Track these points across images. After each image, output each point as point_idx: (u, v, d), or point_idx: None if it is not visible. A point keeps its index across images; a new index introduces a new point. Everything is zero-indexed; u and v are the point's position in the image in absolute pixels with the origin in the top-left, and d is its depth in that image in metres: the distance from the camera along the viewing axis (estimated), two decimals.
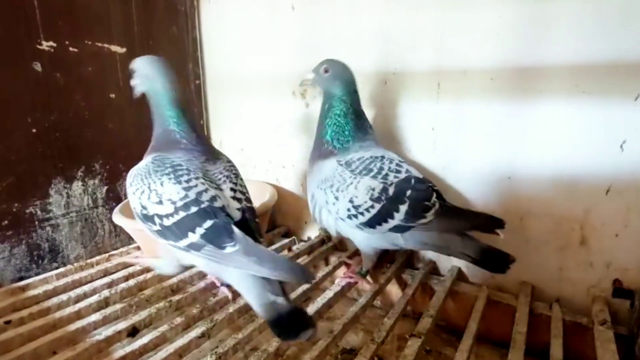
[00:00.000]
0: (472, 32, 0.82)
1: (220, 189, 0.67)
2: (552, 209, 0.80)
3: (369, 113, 0.98)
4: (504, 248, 0.74)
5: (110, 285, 0.81)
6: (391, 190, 0.70)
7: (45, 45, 0.87)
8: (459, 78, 0.85)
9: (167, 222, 0.62)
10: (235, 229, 0.60)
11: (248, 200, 0.71)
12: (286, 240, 1.09)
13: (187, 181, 0.64)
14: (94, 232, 1.00)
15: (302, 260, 0.95)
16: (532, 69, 0.78)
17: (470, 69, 0.84)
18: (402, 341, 0.82)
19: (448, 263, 0.93)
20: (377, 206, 0.70)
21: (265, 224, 1.06)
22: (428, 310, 0.74)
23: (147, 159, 0.70)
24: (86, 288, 0.78)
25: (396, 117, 0.95)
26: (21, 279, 0.84)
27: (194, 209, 0.61)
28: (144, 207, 0.65)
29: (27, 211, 0.87)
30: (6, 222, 0.84)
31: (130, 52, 1.04)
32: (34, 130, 0.87)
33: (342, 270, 0.97)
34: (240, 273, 0.60)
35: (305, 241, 1.10)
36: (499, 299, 0.83)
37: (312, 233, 1.15)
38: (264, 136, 1.19)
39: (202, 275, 0.88)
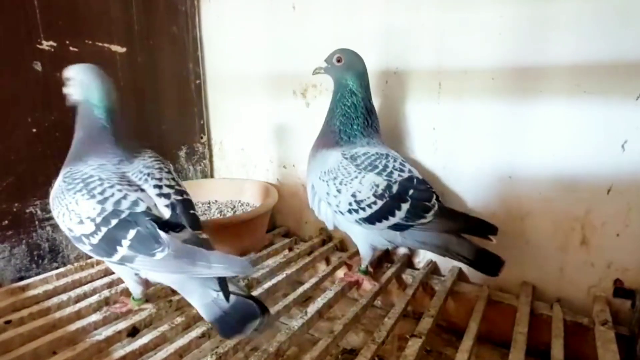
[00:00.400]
0: (473, 32, 0.82)
1: (142, 190, 0.63)
2: (552, 208, 0.80)
3: None
4: (504, 248, 0.74)
5: (110, 285, 0.80)
6: (395, 188, 0.71)
7: (46, 44, 0.87)
8: (460, 78, 0.85)
9: (94, 240, 0.59)
10: (162, 233, 0.56)
11: (178, 192, 0.65)
12: (286, 240, 1.09)
13: (102, 192, 0.60)
14: None
15: (303, 260, 0.95)
16: (532, 69, 0.78)
17: (471, 68, 0.84)
18: (402, 341, 0.82)
19: (449, 263, 0.93)
20: (380, 203, 0.71)
21: (267, 224, 1.06)
22: (429, 310, 0.73)
23: (60, 178, 0.66)
24: (86, 288, 0.78)
25: (397, 117, 0.95)
26: (21, 278, 0.84)
27: (114, 222, 0.58)
28: (70, 230, 0.61)
29: (27, 211, 0.87)
30: (6, 221, 0.84)
31: (131, 51, 1.04)
32: (34, 130, 0.87)
33: (342, 271, 0.97)
34: (178, 277, 0.58)
35: (305, 241, 1.10)
36: (500, 299, 0.83)
37: (312, 233, 1.14)
38: (265, 136, 1.19)
39: None
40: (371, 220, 0.72)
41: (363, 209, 0.72)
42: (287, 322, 0.72)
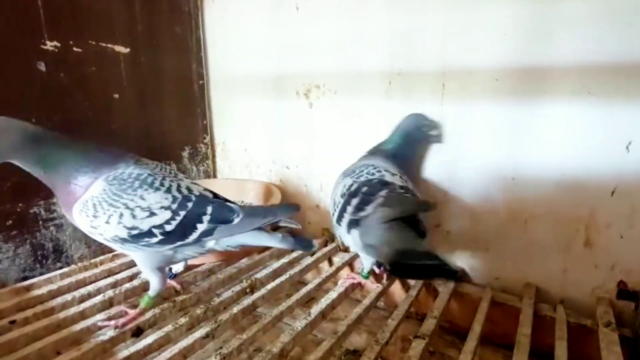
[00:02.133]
0: (478, 32, 0.82)
1: (181, 180, 0.69)
2: (556, 210, 0.80)
3: (373, 114, 0.99)
4: (508, 249, 0.73)
5: (114, 285, 0.81)
6: (353, 187, 0.73)
7: (50, 45, 0.87)
8: (464, 79, 0.85)
9: (169, 227, 0.63)
10: (230, 203, 0.69)
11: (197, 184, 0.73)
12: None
13: (161, 184, 0.65)
14: None
15: (306, 261, 0.95)
16: (537, 70, 0.78)
17: (475, 69, 0.84)
18: (405, 342, 0.82)
19: (451, 264, 0.93)
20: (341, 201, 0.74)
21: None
22: (432, 311, 0.73)
23: (96, 187, 0.63)
24: (90, 288, 0.78)
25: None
26: (25, 278, 0.85)
27: (190, 204, 0.65)
28: (132, 228, 0.62)
29: (31, 211, 0.87)
30: (10, 221, 0.84)
31: (134, 51, 1.04)
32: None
33: (346, 272, 0.97)
34: (250, 233, 0.68)
35: None
36: (503, 301, 0.82)
37: (315, 234, 1.14)
38: (268, 137, 1.19)
39: (205, 276, 0.88)
40: (338, 220, 0.75)
41: (335, 210, 0.76)
42: (290, 323, 0.72)
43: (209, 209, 0.65)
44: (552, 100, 0.77)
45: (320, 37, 1.03)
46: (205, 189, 0.70)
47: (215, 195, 0.71)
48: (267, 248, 1.03)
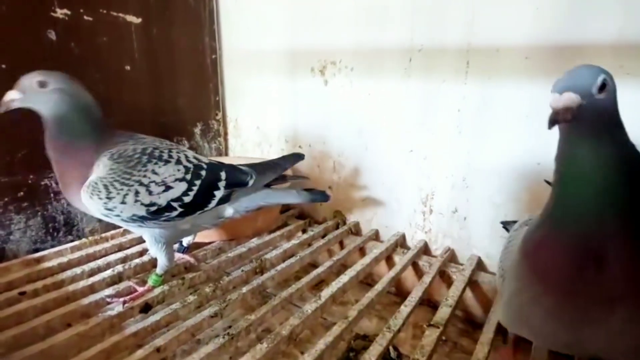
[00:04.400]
0: (508, 6, 0.76)
1: (186, 151, 0.69)
2: None
3: (391, 93, 0.94)
4: None
5: (124, 260, 0.80)
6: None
7: (60, 12, 0.85)
8: (490, 56, 0.80)
9: (188, 198, 0.63)
10: (240, 166, 0.69)
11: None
12: (300, 222, 1.07)
13: (169, 156, 0.63)
14: None
15: (317, 243, 0.93)
16: (571, 48, 0.72)
17: (503, 46, 0.78)
18: (417, 329, 0.80)
19: (467, 251, 0.90)
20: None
21: (280, 205, 1.03)
22: (447, 299, 0.71)
23: (101, 166, 0.60)
24: (100, 262, 0.78)
25: (420, 97, 0.90)
26: (36, 250, 0.85)
27: (203, 172, 0.64)
28: (150, 205, 0.60)
29: (42, 183, 0.87)
30: (21, 193, 0.83)
31: (146, 22, 1.01)
32: None
33: (358, 255, 0.95)
34: (265, 192, 0.71)
35: (319, 223, 1.07)
36: None
37: (327, 215, 1.12)
38: (281, 115, 1.16)
39: (215, 254, 0.87)
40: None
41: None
42: (300, 305, 0.70)
43: (223, 175, 0.66)
44: None
45: (337, 10, 0.98)
46: (209, 159, 0.70)
47: (221, 163, 0.70)
48: (278, 228, 1.02)
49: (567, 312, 0.39)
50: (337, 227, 1.05)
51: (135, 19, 0.98)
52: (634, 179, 0.37)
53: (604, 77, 0.38)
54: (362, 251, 0.97)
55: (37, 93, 0.59)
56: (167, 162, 0.62)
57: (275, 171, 0.71)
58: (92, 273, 0.75)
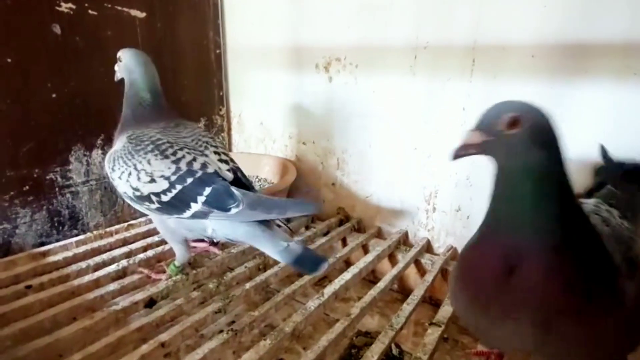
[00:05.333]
0: (515, 4, 0.75)
1: (206, 155, 0.67)
2: None
3: (396, 90, 0.94)
4: None
5: (128, 255, 0.81)
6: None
7: (65, 6, 0.85)
8: (497, 54, 0.79)
9: (165, 197, 0.62)
10: (235, 190, 0.61)
11: (232, 160, 0.71)
12: (303, 218, 1.07)
13: (174, 154, 0.64)
14: (113, 201, 1.00)
15: (320, 239, 0.93)
16: (579, 46, 0.71)
17: (509, 44, 0.78)
18: (418, 326, 0.81)
19: None
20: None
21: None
22: (449, 298, 0.71)
23: (122, 140, 0.68)
24: (105, 257, 0.79)
25: (424, 95, 0.90)
26: (42, 244, 0.85)
27: (189, 180, 0.62)
28: (135, 189, 0.63)
29: (48, 177, 0.87)
30: (27, 187, 0.84)
31: (151, 17, 1.01)
32: (53, 96, 0.86)
33: (360, 253, 0.95)
34: (251, 230, 0.62)
35: (322, 220, 1.08)
36: None
37: (330, 212, 1.12)
38: (284, 110, 1.16)
39: (218, 250, 0.87)
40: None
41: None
42: (302, 301, 0.71)
43: (207, 191, 0.61)
44: (593, 81, 0.71)
45: (342, 6, 0.97)
46: (231, 168, 0.67)
47: (237, 177, 0.67)
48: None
49: (480, 311, 0.43)
50: (340, 224, 1.05)
51: (139, 14, 0.98)
52: (556, 202, 0.40)
53: (512, 115, 0.40)
54: (365, 248, 0.97)
55: (119, 65, 0.77)
56: (165, 157, 0.63)
57: (270, 211, 0.61)
58: (97, 267, 0.75)
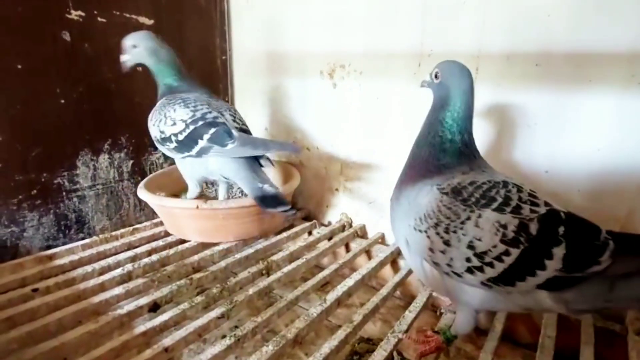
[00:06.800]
0: (519, 12, 0.76)
1: (222, 114, 0.80)
2: (591, 207, 0.75)
3: (399, 97, 0.95)
4: None
5: (133, 259, 0.82)
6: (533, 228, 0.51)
7: (74, 14, 0.86)
8: (501, 63, 0.80)
9: (181, 137, 0.77)
10: (234, 131, 0.77)
11: (246, 127, 0.85)
12: (307, 224, 1.08)
13: (194, 107, 0.79)
14: (119, 205, 1.01)
15: (323, 245, 0.94)
16: (582, 56, 0.72)
17: (513, 53, 0.78)
18: (420, 334, 0.81)
19: None
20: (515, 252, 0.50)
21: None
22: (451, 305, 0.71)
23: (160, 101, 0.84)
24: (110, 261, 0.79)
25: (427, 102, 0.90)
26: (49, 247, 0.87)
27: (200, 122, 0.77)
28: (162, 132, 0.79)
29: (55, 181, 0.89)
30: (35, 191, 0.85)
31: (158, 24, 1.02)
32: (62, 101, 0.87)
33: (363, 258, 0.95)
34: (239, 168, 0.78)
35: (326, 225, 1.08)
36: None
37: (333, 218, 1.13)
38: (289, 116, 1.17)
39: (222, 255, 0.88)
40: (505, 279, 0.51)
41: (489, 264, 0.51)
42: (305, 307, 0.71)
43: (212, 130, 0.76)
44: (597, 90, 0.71)
45: (347, 13, 0.98)
46: (240, 128, 0.80)
47: (244, 130, 0.82)
48: (284, 229, 1.03)
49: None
50: (343, 230, 1.05)
51: (147, 20, 1.00)
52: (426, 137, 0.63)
53: (436, 70, 0.66)
54: (368, 254, 0.97)
55: (132, 52, 0.83)
56: (186, 107, 0.79)
57: (256, 147, 0.76)
58: (103, 271, 0.76)
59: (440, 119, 0.62)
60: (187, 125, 0.77)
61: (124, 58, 0.83)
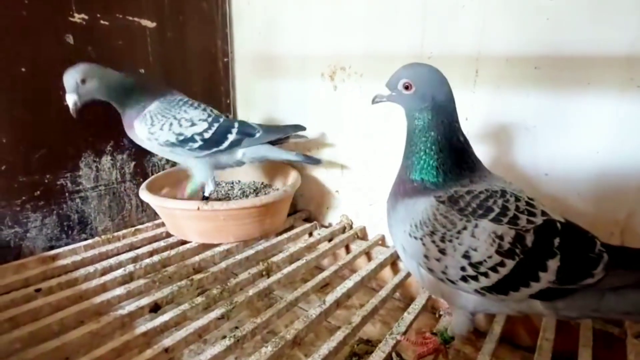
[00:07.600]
0: (518, 15, 0.76)
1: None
2: (590, 211, 0.75)
3: None
4: None
5: (135, 260, 0.82)
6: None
7: (78, 17, 0.87)
8: (500, 65, 0.80)
9: (207, 135, 0.84)
10: (251, 122, 0.91)
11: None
12: (307, 225, 1.08)
13: (198, 106, 0.87)
14: (121, 206, 1.02)
15: (323, 246, 0.94)
16: (581, 58, 0.72)
17: (512, 55, 0.78)
18: (419, 335, 0.81)
19: None
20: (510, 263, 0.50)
21: (288, 207, 1.05)
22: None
23: (150, 108, 0.84)
24: (112, 261, 0.80)
25: None
26: (51, 248, 0.88)
27: (222, 119, 0.87)
28: (179, 134, 0.83)
29: (58, 183, 0.89)
30: (38, 192, 0.86)
31: (161, 26, 1.03)
32: (66, 104, 0.88)
33: (363, 260, 0.96)
34: (269, 148, 0.91)
35: (326, 227, 1.09)
36: None
37: (333, 219, 1.13)
38: (290, 118, 1.17)
39: (223, 256, 0.88)
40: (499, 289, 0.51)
41: (484, 274, 0.51)
42: (305, 308, 0.72)
43: (236, 124, 0.87)
44: (596, 92, 0.71)
45: (348, 16, 0.98)
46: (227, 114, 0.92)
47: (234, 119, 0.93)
48: (285, 230, 1.03)
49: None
50: (343, 231, 1.06)
51: (150, 23, 1.01)
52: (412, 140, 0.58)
53: (404, 81, 0.58)
54: (368, 256, 0.98)
55: (85, 89, 0.75)
56: (196, 108, 0.86)
57: (278, 133, 0.91)
58: (105, 272, 0.77)
59: (429, 137, 0.55)
60: (210, 124, 0.84)
61: (71, 99, 0.73)
